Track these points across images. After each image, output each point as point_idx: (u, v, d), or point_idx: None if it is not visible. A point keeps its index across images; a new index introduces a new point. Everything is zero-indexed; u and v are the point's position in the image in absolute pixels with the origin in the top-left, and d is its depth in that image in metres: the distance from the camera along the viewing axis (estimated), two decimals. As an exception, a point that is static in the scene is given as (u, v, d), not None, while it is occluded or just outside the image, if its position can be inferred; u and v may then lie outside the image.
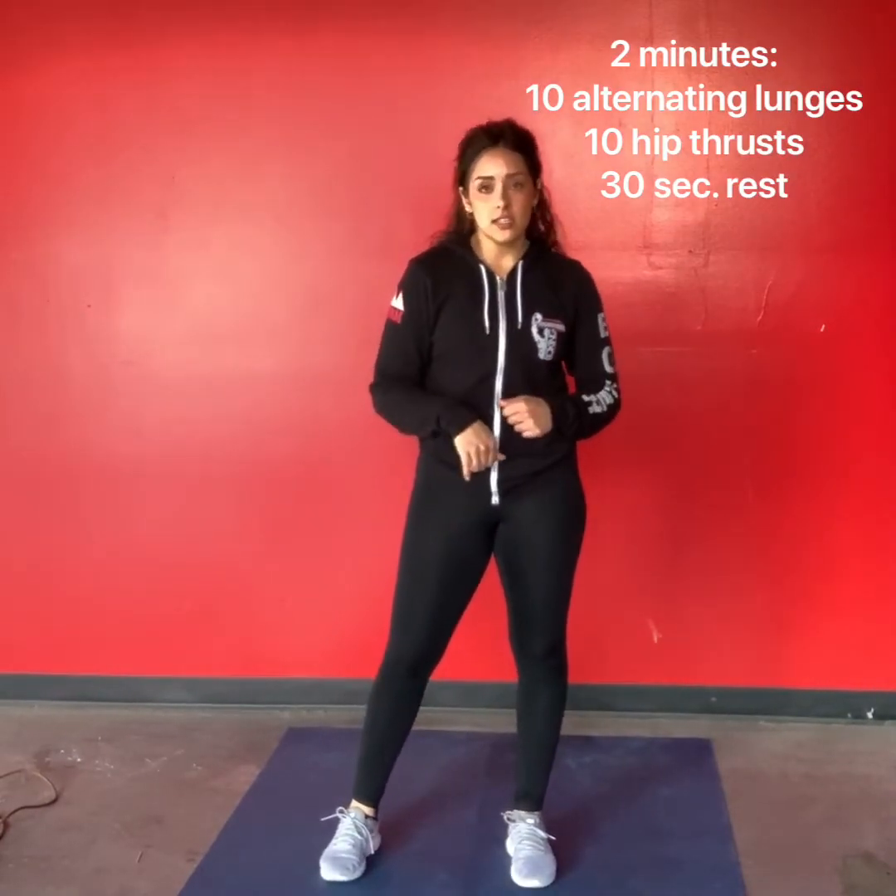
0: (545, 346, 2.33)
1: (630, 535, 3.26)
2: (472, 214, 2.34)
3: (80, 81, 3.21)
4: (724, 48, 3.02)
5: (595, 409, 2.37)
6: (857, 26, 3.01)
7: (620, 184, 3.11)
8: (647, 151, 3.08)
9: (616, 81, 3.07)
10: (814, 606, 3.24)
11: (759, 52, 3.02)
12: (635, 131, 3.08)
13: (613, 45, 3.05)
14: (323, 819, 2.55)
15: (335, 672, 3.37)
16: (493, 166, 2.27)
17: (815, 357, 3.13)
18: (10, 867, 2.52)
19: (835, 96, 3.02)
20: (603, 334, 2.42)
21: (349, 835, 2.48)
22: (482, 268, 2.34)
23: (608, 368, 2.41)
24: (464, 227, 2.39)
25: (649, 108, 3.07)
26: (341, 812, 2.54)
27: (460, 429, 2.27)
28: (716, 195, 3.09)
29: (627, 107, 3.08)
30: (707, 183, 3.08)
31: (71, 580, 3.42)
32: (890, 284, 3.09)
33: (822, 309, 3.11)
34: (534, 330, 2.33)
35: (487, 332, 2.32)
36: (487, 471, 2.32)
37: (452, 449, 2.29)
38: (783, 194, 3.07)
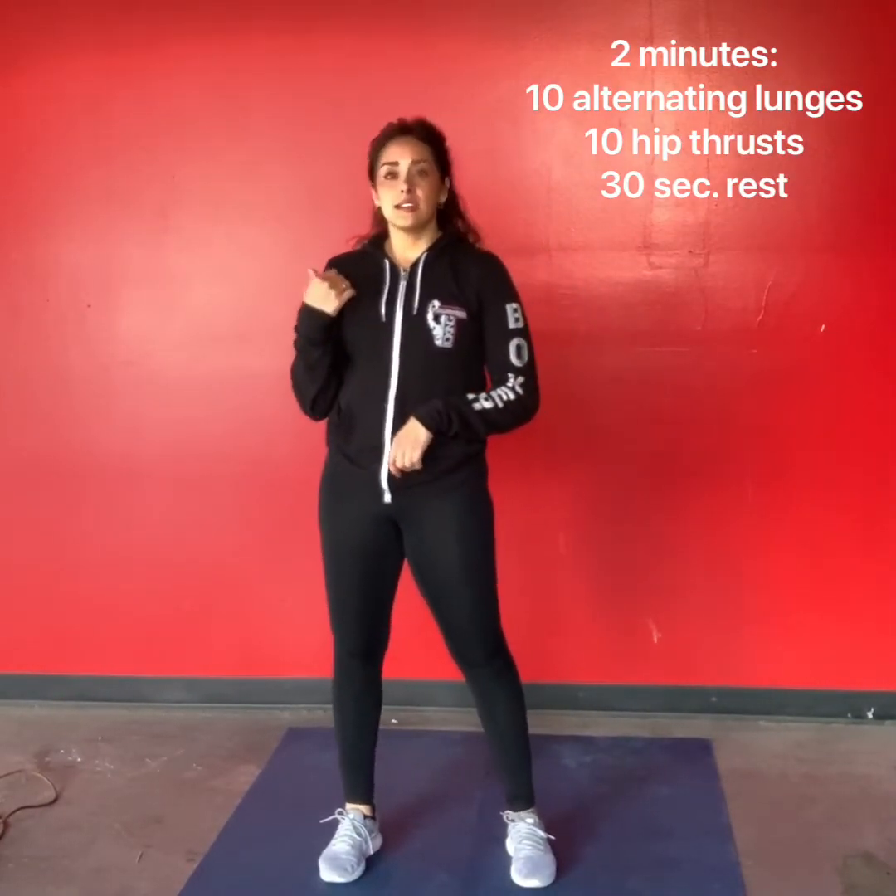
0: (442, 332, 2.29)
1: (630, 535, 3.26)
2: (379, 208, 2.37)
3: (79, 81, 3.21)
4: (724, 48, 3.02)
5: (483, 405, 2.27)
6: (856, 26, 3.00)
7: (620, 184, 3.11)
8: (647, 151, 3.08)
9: (616, 81, 3.07)
10: (814, 606, 3.24)
11: (759, 53, 3.02)
12: (635, 131, 3.08)
13: (613, 45, 3.05)
14: (322, 821, 2.56)
15: (335, 672, 3.37)
16: (398, 152, 2.32)
17: (815, 357, 3.13)
18: (10, 867, 2.52)
19: (835, 96, 3.02)
20: (512, 325, 2.34)
21: (347, 836, 2.49)
22: (386, 262, 2.36)
23: (515, 361, 2.31)
24: (380, 229, 2.42)
25: (649, 108, 3.07)
26: (340, 814, 2.55)
27: (305, 303, 2.30)
28: (716, 195, 3.09)
29: (627, 107, 3.08)
30: (707, 183, 3.08)
31: (71, 580, 3.42)
32: (890, 284, 3.09)
33: (822, 309, 3.11)
34: (429, 316, 2.30)
35: (383, 319, 2.32)
36: (377, 468, 2.31)
37: (349, 442, 2.35)
38: (783, 194, 3.07)
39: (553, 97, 3.09)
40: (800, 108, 3.04)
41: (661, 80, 3.06)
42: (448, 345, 2.30)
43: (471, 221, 2.44)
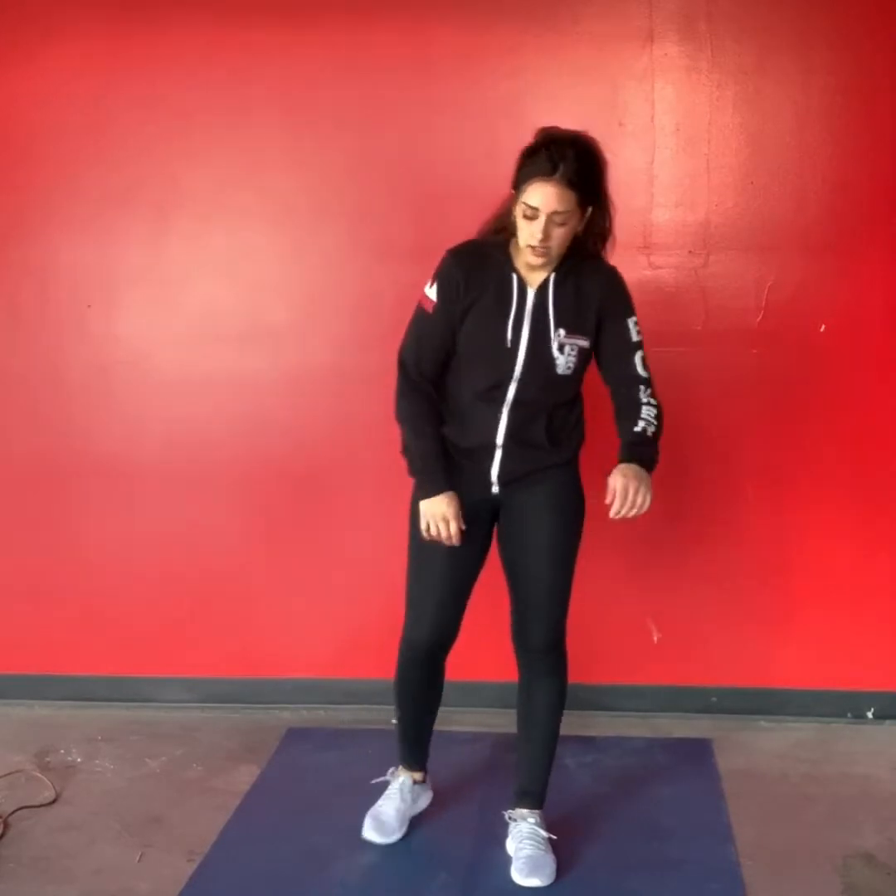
0: (564, 362, 2.35)
1: (630, 535, 3.25)
2: (514, 222, 2.30)
3: (79, 81, 3.21)
4: (725, 48, 3.03)
5: (653, 429, 2.34)
6: (856, 26, 3.00)
7: (620, 184, 3.10)
8: (648, 151, 3.08)
9: (616, 81, 3.07)
10: (814, 606, 3.24)
11: (760, 52, 3.02)
12: (635, 131, 3.08)
13: (613, 46, 3.05)
14: (373, 781, 2.69)
15: (335, 672, 3.37)
16: (540, 199, 2.21)
17: (815, 357, 3.13)
18: (10, 867, 2.52)
19: (834, 95, 3.02)
20: (634, 338, 2.39)
21: (395, 798, 2.63)
22: (514, 277, 2.34)
23: (642, 372, 2.38)
24: (507, 225, 2.34)
25: (649, 108, 3.07)
26: (392, 775, 2.68)
27: (426, 497, 2.38)
28: (716, 195, 3.09)
29: (627, 107, 3.08)
30: (707, 183, 3.08)
31: (71, 580, 3.42)
32: (890, 284, 3.09)
33: (822, 309, 3.11)
34: (554, 346, 2.34)
35: (508, 344, 2.34)
36: (489, 465, 2.39)
37: (460, 440, 2.41)
38: (783, 194, 3.07)
39: (553, 97, 3.09)
40: (800, 107, 3.04)
41: (661, 80, 3.06)
42: (569, 372, 2.37)
43: (608, 232, 2.38)
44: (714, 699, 3.29)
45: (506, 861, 2.47)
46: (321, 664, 3.40)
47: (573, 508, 2.49)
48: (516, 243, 2.34)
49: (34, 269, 3.30)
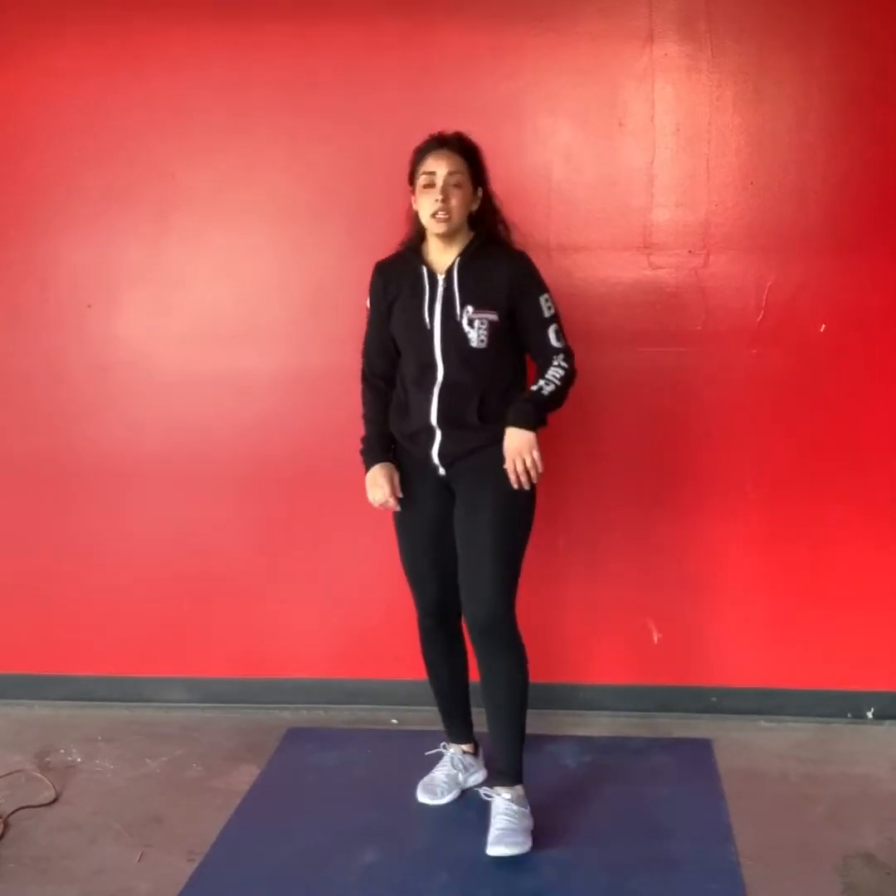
0: (476, 335, 2.56)
1: (629, 535, 3.26)
2: (417, 213, 2.60)
3: (79, 81, 3.21)
4: (725, 48, 3.03)
5: (548, 389, 2.55)
6: (856, 26, 3.00)
7: (620, 184, 3.11)
8: (648, 151, 3.09)
9: (616, 81, 3.07)
10: (814, 606, 3.24)
11: (760, 52, 3.02)
12: (635, 131, 3.08)
13: (613, 46, 3.05)
14: (427, 753, 2.88)
15: (335, 672, 3.37)
16: (435, 164, 2.54)
17: (815, 357, 3.13)
18: (10, 867, 2.52)
19: (834, 95, 3.02)
20: (546, 313, 2.61)
21: (446, 765, 2.82)
22: (423, 268, 2.61)
23: (556, 343, 2.61)
24: (416, 231, 2.65)
25: (649, 108, 3.07)
26: (444, 747, 2.86)
27: (367, 470, 2.69)
28: (716, 195, 3.09)
29: (627, 107, 3.08)
30: (707, 183, 3.08)
31: (71, 580, 3.42)
32: (890, 284, 3.09)
33: (822, 309, 3.11)
34: (464, 322, 2.56)
35: (427, 326, 2.59)
36: (430, 446, 2.61)
37: (405, 426, 2.66)
38: (783, 194, 3.07)
39: (553, 97, 3.09)
40: (799, 107, 3.04)
41: (661, 80, 3.06)
42: (482, 345, 2.57)
43: (505, 221, 2.67)
44: (714, 699, 3.29)
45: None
46: (321, 664, 3.40)
47: (512, 496, 2.55)
48: (427, 243, 2.64)
49: (34, 269, 3.31)
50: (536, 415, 2.52)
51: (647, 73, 3.06)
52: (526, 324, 2.60)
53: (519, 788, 2.60)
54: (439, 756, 2.87)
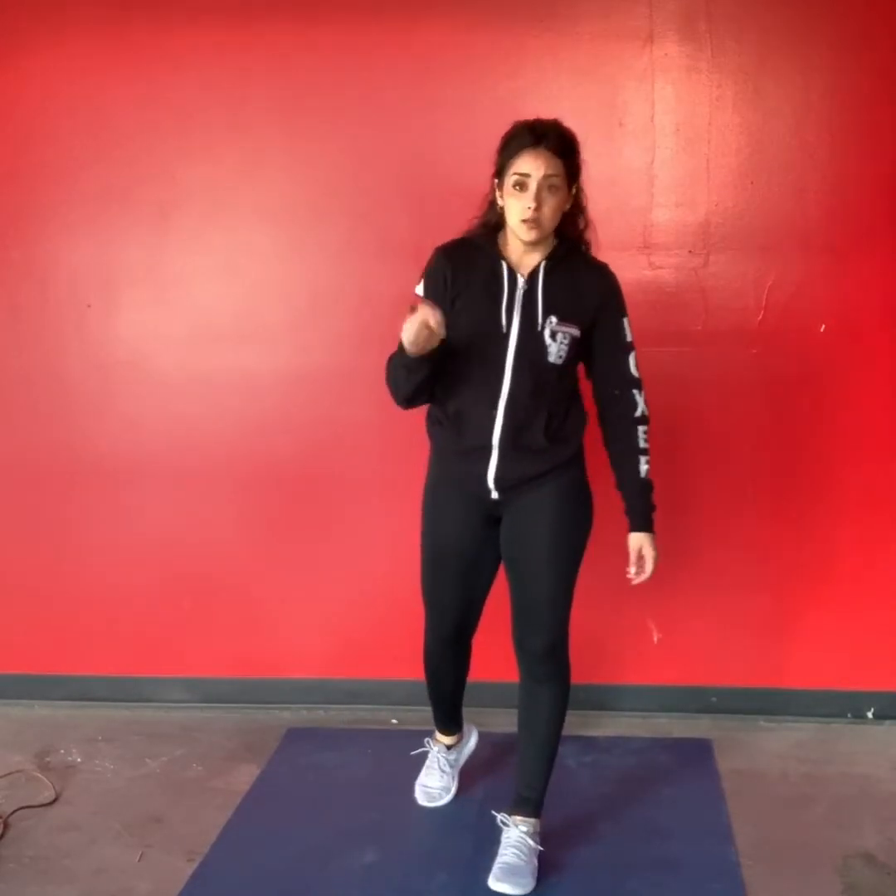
0: (556, 350, 2.32)
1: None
2: (503, 208, 2.32)
3: (79, 81, 3.21)
4: (725, 48, 3.02)
5: (647, 467, 2.42)
6: (856, 26, 3.00)
7: (620, 184, 3.11)
8: (648, 151, 3.08)
9: (616, 81, 3.07)
10: (814, 606, 3.24)
11: (760, 52, 3.02)
12: (635, 131, 3.08)
13: (613, 46, 3.05)
14: (412, 753, 2.87)
15: (335, 672, 3.37)
16: (531, 165, 2.25)
17: (815, 357, 3.13)
18: (10, 867, 2.52)
19: (835, 95, 3.02)
20: (627, 338, 2.41)
21: (434, 768, 2.80)
22: (503, 264, 2.33)
23: (635, 373, 2.42)
24: (493, 219, 2.37)
25: (649, 108, 3.07)
26: (428, 743, 2.83)
27: (404, 343, 2.21)
28: (716, 195, 3.09)
29: (627, 107, 3.08)
30: (707, 183, 3.08)
31: (71, 580, 3.42)
32: (890, 284, 3.09)
33: (822, 309, 3.11)
34: (547, 333, 2.32)
35: (503, 330, 2.32)
36: (484, 468, 2.36)
37: (458, 443, 2.38)
38: (783, 194, 3.07)
39: (553, 97, 3.09)
40: (800, 107, 3.04)
41: (661, 80, 3.06)
42: (560, 361, 2.33)
43: (588, 220, 2.42)
44: (714, 699, 3.29)
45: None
46: (321, 664, 3.40)
47: (577, 509, 2.45)
48: (504, 235, 2.36)
49: (34, 269, 3.30)
50: (654, 507, 2.43)
51: (647, 73, 3.06)
52: (604, 346, 2.38)
53: (536, 823, 2.48)
54: (424, 755, 2.86)
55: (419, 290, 2.39)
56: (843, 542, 3.20)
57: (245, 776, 2.95)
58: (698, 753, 3.05)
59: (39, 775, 2.96)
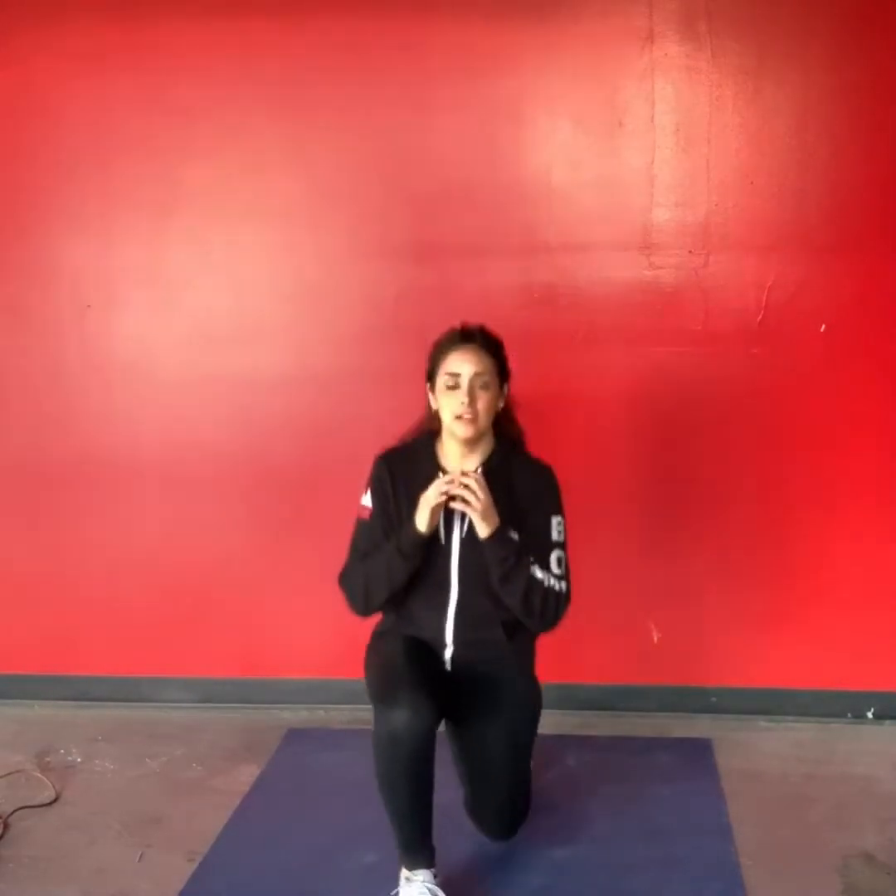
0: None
1: (630, 535, 3.26)
2: (437, 411, 2.39)
3: (79, 81, 3.21)
4: (725, 48, 3.02)
5: (538, 575, 2.34)
6: (856, 26, 3.00)
7: (620, 184, 3.11)
8: (648, 151, 3.08)
9: (616, 81, 3.07)
10: (814, 606, 3.24)
11: (760, 52, 3.02)
12: (635, 131, 3.08)
13: (613, 46, 3.05)
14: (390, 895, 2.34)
15: (335, 672, 3.37)
16: (461, 364, 2.33)
17: (815, 357, 3.13)
18: (10, 867, 2.52)
19: (835, 95, 3.02)
20: (555, 537, 2.40)
21: None
22: (440, 475, 2.35)
23: (555, 570, 2.38)
24: (435, 426, 2.44)
25: (649, 108, 3.07)
26: (408, 879, 2.29)
27: (416, 521, 2.32)
28: (716, 195, 3.09)
29: (627, 107, 3.08)
30: (707, 183, 3.08)
31: (71, 580, 3.42)
32: (890, 284, 3.09)
33: (822, 309, 3.11)
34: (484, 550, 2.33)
35: (442, 540, 2.38)
36: (442, 653, 2.43)
37: (405, 626, 2.45)
38: (783, 194, 3.07)
39: (553, 97, 3.09)
40: (800, 107, 3.04)
41: (661, 80, 3.06)
42: None
43: (517, 423, 2.49)
44: (714, 699, 3.29)
45: (506, 861, 2.48)
46: (321, 664, 3.40)
47: (530, 702, 2.45)
48: (441, 440, 2.43)
49: (35, 270, 3.31)
50: (511, 557, 2.31)
51: (647, 73, 3.06)
52: (530, 540, 2.37)
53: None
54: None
55: (366, 500, 2.46)
56: (844, 542, 3.20)
57: (245, 776, 2.95)
58: (698, 753, 3.04)
59: (39, 775, 2.96)
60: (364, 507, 2.46)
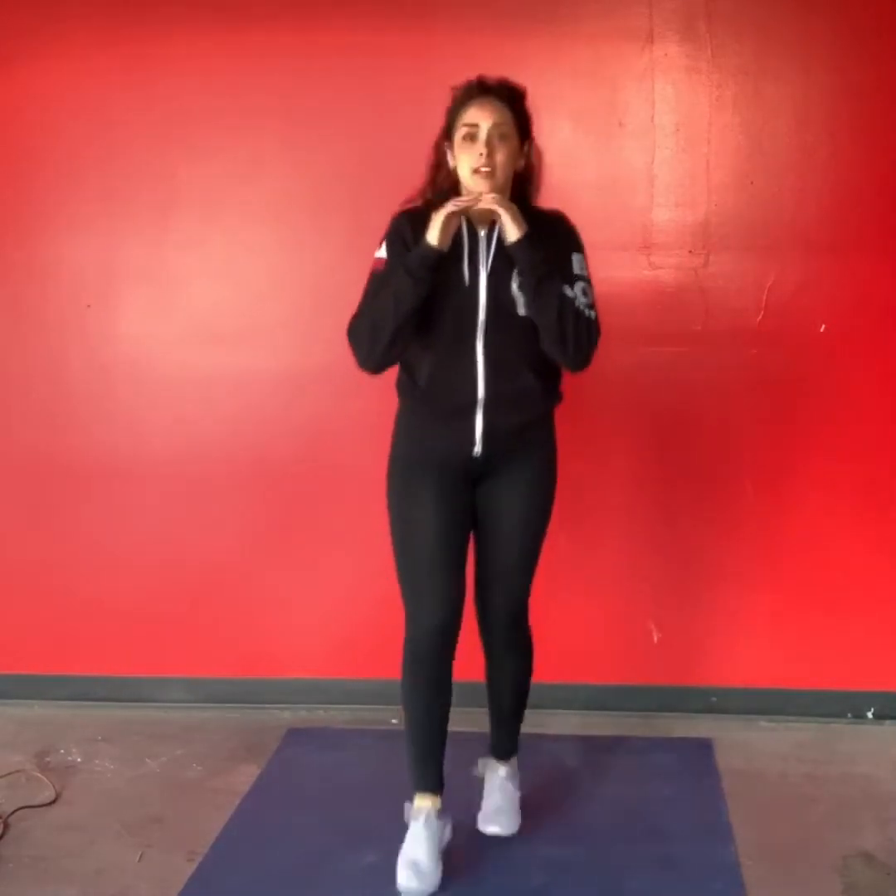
0: (524, 301, 2.28)
1: (630, 535, 3.26)
2: (455, 168, 2.30)
3: (80, 81, 3.21)
4: (725, 48, 3.03)
5: (569, 293, 2.26)
6: (856, 26, 3.00)
7: (620, 184, 3.11)
8: (648, 151, 3.08)
9: (616, 81, 3.07)
10: (814, 606, 3.24)
11: (760, 52, 3.02)
12: (635, 131, 3.08)
13: (613, 46, 3.05)
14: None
15: (335, 672, 3.37)
16: (479, 115, 2.25)
17: (815, 357, 3.13)
18: (10, 867, 2.52)
19: (834, 95, 3.02)
20: (577, 271, 2.33)
21: (420, 837, 2.39)
22: (463, 219, 2.28)
23: (583, 299, 2.30)
24: (446, 184, 2.34)
25: (649, 108, 3.07)
26: (410, 812, 2.44)
27: (428, 235, 2.22)
28: (716, 195, 3.09)
29: (627, 107, 3.08)
30: (707, 183, 3.08)
31: (71, 580, 3.42)
32: (890, 284, 3.09)
33: (822, 309, 3.11)
34: (514, 284, 2.28)
35: (467, 283, 2.29)
36: (471, 423, 2.32)
37: (439, 405, 2.34)
38: (783, 194, 3.07)
39: (553, 97, 3.09)
40: (799, 107, 3.04)
41: (661, 80, 3.06)
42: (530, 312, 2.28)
43: (540, 181, 2.39)
44: (714, 699, 3.29)
45: (506, 861, 2.48)
46: (321, 664, 3.40)
47: (548, 481, 2.47)
48: (459, 193, 2.30)
49: (34, 269, 3.30)
50: (541, 267, 2.23)
51: (647, 73, 3.06)
52: None
53: (514, 761, 2.64)
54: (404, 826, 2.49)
55: (381, 253, 2.35)
56: (844, 542, 3.20)
57: (245, 776, 2.95)
58: (698, 753, 3.04)
59: (39, 775, 2.96)
60: (378, 259, 2.35)
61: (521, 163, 2.31)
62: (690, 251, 3.12)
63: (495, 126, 2.23)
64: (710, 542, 3.24)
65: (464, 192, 2.30)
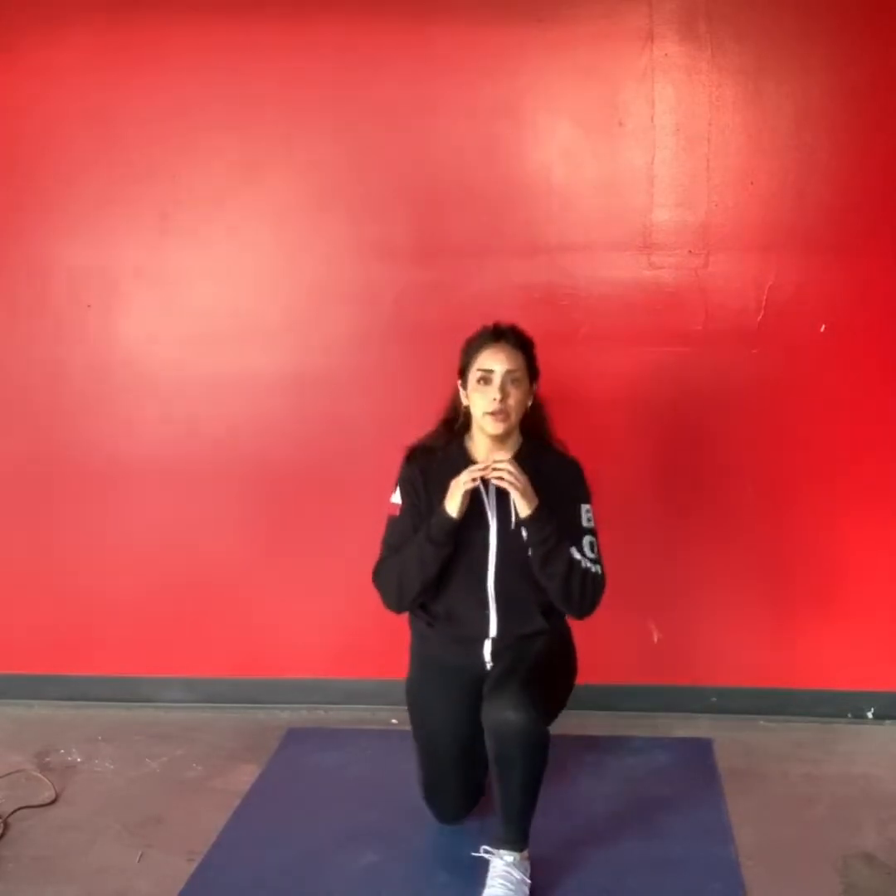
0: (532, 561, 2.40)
1: (630, 535, 3.25)
2: (467, 408, 2.44)
3: (79, 81, 3.21)
4: (725, 48, 3.03)
5: (576, 556, 2.39)
6: (856, 26, 3.00)
7: (620, 184, 3.11)
8: (648, 151, 3.08)
9: (616, 81, 3.07)
10: (814, 606, 3.23)
11: (760, 52, 3.02)
12: (635, 131, 3.08)
13: (613, 46, 3.05)
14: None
15: (335, 672, 3.37)
16: (493, 360, 2.38)
17: (815, 357, 3.13)
18: (10, 867, 2.52)
19: (834, 95, 3.02)
20: (585, 524, 2.46)
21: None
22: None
23: (590, 554, 2.43)
24: (457, 421, 2.50)
25: (649, 108, 3.07)
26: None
27: (447, 506, 2.37)
28: (716, 195, 3.09)
29: (627, 107, 3.08)
30: (707, 183, 3.08)
31: (71, 580, 3.42)
32: (890, 284, 3.09)
33: (822, 309, 3.11)
34: (523, 531, 2.40)
35: (477, 531, 2.43)
36: (482, 643, 2.48)
37: (452, 636, 2.50)
38: (783, 194, 3.07)
39: (553, 97, 3.10)
40: (799, 107, 3.04)
41: (661, 80, 3.06)
42: None
43: (547, 417, 2.55)
44: (714, 699, 3.29)
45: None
46: (321, 664, 3.40)
47: (564, 658, 2.56)
48: (471, 436, 2.49)
49: (34, 269, 3.31)
50: (552, 535, 2.36)
51: (647, 73, 3.06)
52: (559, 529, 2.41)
53: (525, 852, 2.36)
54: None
55: (396, 499, 2.52)
56: (844, 542, 3.20)
57: (245, 776, 2.95)
58: (698, 753, 3.05)
59: (39, 775, 2.96)
60: (394, 505, 2.51)
61: (530, 402, 2.46)
62: (690, 251, 3.12)
63: (508, 372, 2.38)
64: (710, 541, 3.24)
65: (474, 429, 2.46)
